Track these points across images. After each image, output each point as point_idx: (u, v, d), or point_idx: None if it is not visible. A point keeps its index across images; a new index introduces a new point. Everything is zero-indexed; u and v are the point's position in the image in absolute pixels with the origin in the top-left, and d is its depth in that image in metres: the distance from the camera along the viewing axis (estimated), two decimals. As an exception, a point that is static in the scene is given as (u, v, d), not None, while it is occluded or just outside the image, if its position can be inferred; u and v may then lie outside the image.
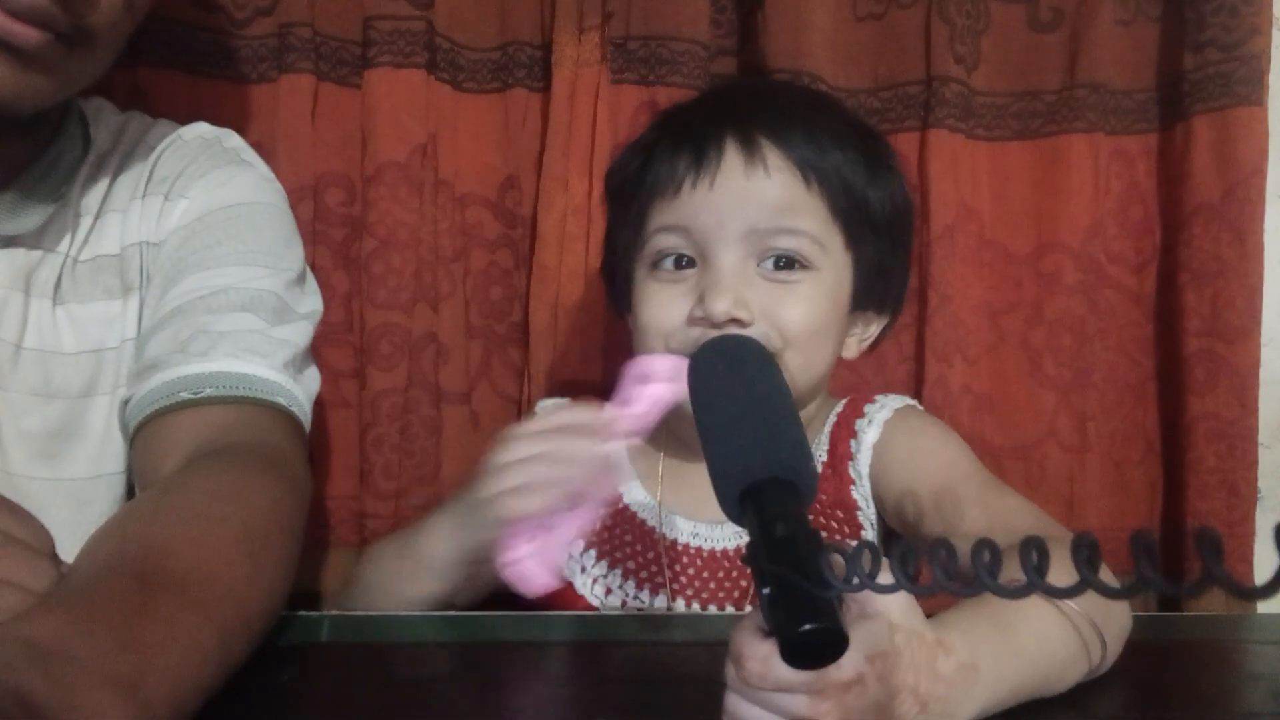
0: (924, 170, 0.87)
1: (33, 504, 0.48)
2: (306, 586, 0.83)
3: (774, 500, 0.34)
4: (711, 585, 0.65)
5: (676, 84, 0.84)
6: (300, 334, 0.61)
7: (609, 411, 0.54)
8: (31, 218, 0.57)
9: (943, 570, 0.27)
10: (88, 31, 0.52)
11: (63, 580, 0.40)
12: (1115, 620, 0.48)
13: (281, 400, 0.57)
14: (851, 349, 0.69)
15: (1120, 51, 0.90)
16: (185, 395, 0.54)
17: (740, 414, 0.38)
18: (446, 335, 0.86)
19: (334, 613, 0.59)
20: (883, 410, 0.68)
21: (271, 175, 0.66)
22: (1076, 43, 0.89)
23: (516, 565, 0.53)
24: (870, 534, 0.67)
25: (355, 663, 0.50)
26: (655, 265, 0.63)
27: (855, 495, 0.67)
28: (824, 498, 0.67)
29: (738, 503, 0.35)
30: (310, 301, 0.64)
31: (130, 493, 0.62)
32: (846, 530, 0.66)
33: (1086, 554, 0.24)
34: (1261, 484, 0.89)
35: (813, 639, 0.30)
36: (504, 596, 0.63)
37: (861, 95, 0.90)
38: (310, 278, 0.66)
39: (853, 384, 0.88)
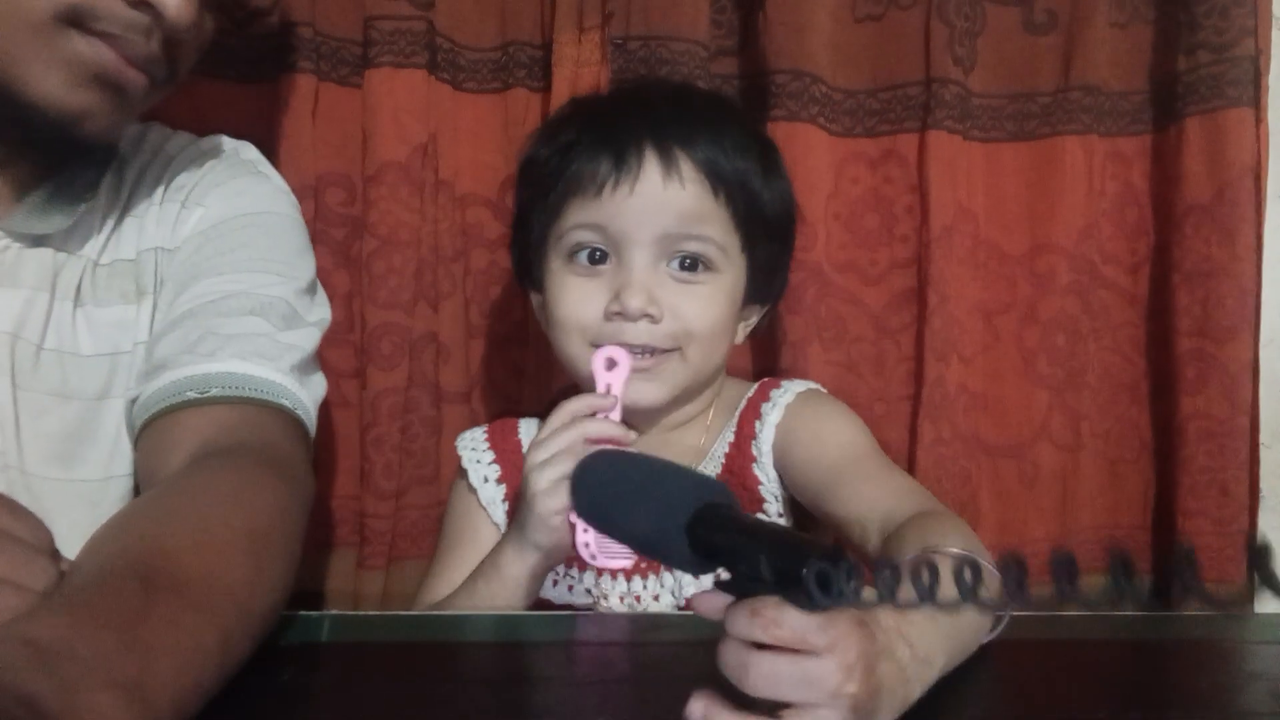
0: (923, 171, 0.88)
1: (46, 504, 0.47)
2: (307, 586, 0.83)
3: (720, 512, 0.36)
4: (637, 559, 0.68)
5: (677, 84, 0.84)
6: (308, 339, 0.61)
7: (601, 391, 0.63)
8: (60, 218, 0.58)
9: (926, 588, 0.29)
10: (173, 75, 0.56)
11: (65, 580, 0.40)
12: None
13: (287, 403, 0.57)
14: (739, 335, 0.74)
15: (1114, 54, 0.90)
16: (191, 394, 0.55)
17: (641, 484, 0.40)
18: (447, 335, 0.86)
19: (334, 612, 0.59)
20: (786, 394, 0.73)
21: (287, 188, 0.67)
22: (1071, 45, 0.90)
23: (592, 550, 0.60)
24: (774, 506, 0.72)
25: (355, 663, 0.50)
26: (571, 257, 0.67)
27: (757, 472, 0.71)
28: (729, 475, 0.72)
29: (685, 542, 0.36)
30: (319, 310, 0.65)
31: (139, 493, 0.62)
32: (750, 505, 0.71)
33: (1016, 575, 0.26)
34: (1263, 484, 0.90)
35: (823, 564, 0.31)
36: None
37: (861, 96, 0.90)
38: (320, 288, 0.67)
39: (852, 384, 0.89)
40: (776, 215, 0.71)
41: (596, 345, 0.66)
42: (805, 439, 0.70)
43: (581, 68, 0.85)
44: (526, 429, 0.77)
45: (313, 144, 0.83)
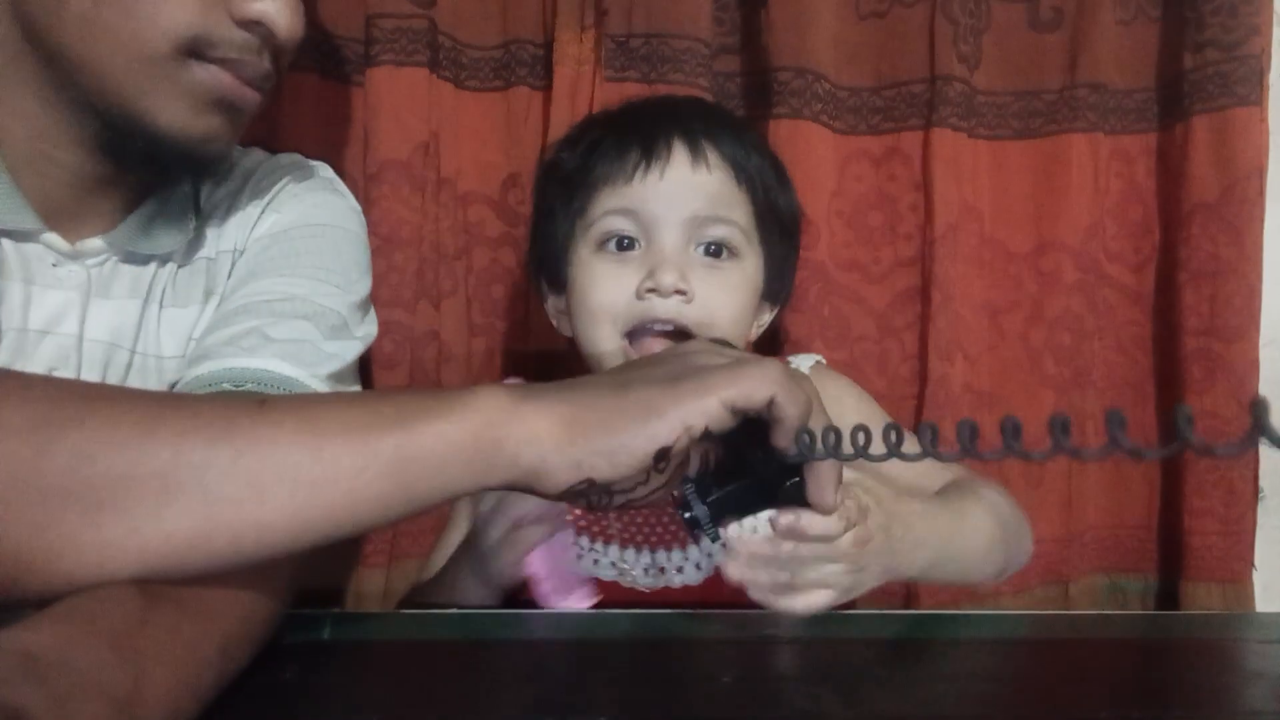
0: (927, 169, 0.88)
1: None
2: (308, 584, 0.82)
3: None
4: (653, 530, 0.71)
5: (678, 82, 0.84)
6: (349, 351, 0.62)
7: None
8: (168, 240, 0.60)
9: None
10: (277, 85, 0.58)
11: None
12: (1020, 537, 0.66)
13: None
14: (752, 334, 0.75)
15: (1120, 51, 0.90)
16: (227, 385, 0.55)
17: None
18: (449, 333, 0.86)
19: (336, 610, 0.60)
20: (799, 370, 0.73)
21: (359, 209, 0.69)
22: (1077, 42, 0.89)
23: (548, 594, 0.62)
24: None
25: (357, 661, 0.50)
26: (600, 246, 0.68)
27: None
28: None
29: None
30: (367, 327, 0.66)
31: None
32: None
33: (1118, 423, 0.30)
34: (1263, 483, 0.90)
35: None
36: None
37: (865, 93, 0.90)
38: (371, 307, 0.68)
39: (856, 383, 0.88)
40: (789, 217, 0.74)
41: (627, 332, 0.67)
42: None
43: (583, 66, 0.85)
44: None
45: (314, 142, 0.83)
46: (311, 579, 0.53)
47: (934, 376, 0.87)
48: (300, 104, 0.83)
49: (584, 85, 0.85)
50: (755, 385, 0.42)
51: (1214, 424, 0.87)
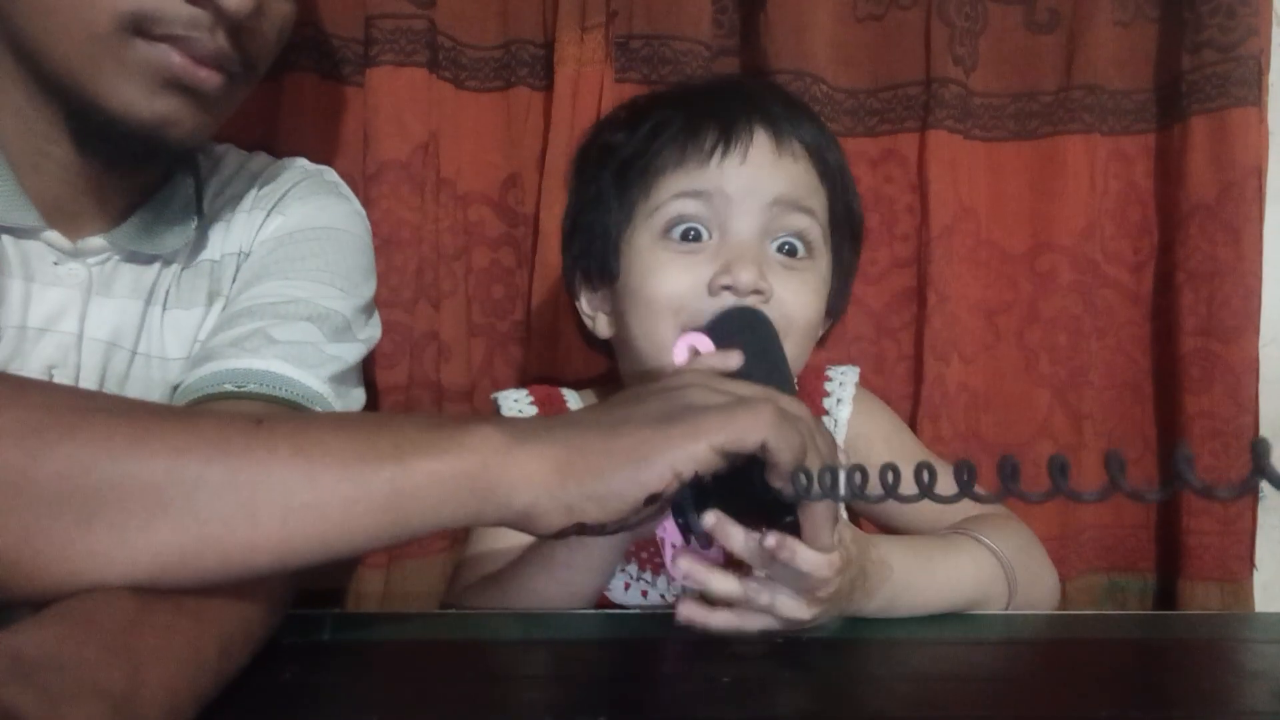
0: (923, 171, 0.88)
1: None
2: (308, 585, 0.82)
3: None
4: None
5: (679, 83, 0.84)
6: (352, 353, 0.62)
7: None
8: (172, 239, 0.61)
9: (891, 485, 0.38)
10: (251, 68, 0.56)
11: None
12: (1031, 573, 0.64)
13: (319, 409, 0.57)
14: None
15: (1118, 52, 0.90)
16: (229, 386, 0.55)
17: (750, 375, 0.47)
18: (448, 334, 0.86)
19: (335, 611, 0.60)
20: (845, 387, 0.73)
21: (363, 213, 0.69)
22: (1074, 44, 0.90)
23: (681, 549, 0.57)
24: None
25: (356, 662, 0.50)
26: (665, 233, 0.63)
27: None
28: None
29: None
30: (371, 329, 0.66)
31: None
32: None
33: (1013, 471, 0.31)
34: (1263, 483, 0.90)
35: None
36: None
37: (861, 95, 0.90)
38: (375, 311, 0.68)
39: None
40: (859, 223, 0.71)
41: (691, 328, 0.61)
42: (879, 438, 0.71)
43: (584, 66, 0.85)
44: (574, 402, 0.74)
45: (314, 142, 0.83)
46: (311, 579, 0.53)
47: (930, 377, 0.87)
48: (300, 104, 0.83)
49: (585, 86, 0.85)
50: (746, 429, 0.42)
51: (1211, 424, 0.87)
